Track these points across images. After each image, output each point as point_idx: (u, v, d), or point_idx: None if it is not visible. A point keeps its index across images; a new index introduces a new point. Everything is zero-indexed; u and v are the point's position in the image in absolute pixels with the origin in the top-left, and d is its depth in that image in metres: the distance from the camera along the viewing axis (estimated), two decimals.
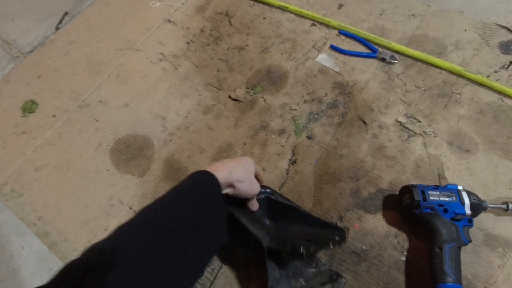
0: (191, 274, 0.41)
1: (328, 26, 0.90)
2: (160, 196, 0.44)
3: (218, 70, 0.87)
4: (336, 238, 0.58)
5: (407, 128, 0.73)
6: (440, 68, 0.79)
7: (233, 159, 0.54)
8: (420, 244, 0.61)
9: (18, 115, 0.87)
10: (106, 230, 0.70)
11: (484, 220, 0.62)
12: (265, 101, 0.81)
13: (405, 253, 0.61)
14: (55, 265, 0.68)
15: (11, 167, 0.80)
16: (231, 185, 0.50)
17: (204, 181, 0.47)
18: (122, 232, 0.38)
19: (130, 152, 0.78)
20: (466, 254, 0.59)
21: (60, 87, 0.90)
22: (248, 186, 0.52)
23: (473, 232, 0.60)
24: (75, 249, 0.69)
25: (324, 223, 0.61)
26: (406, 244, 0.62)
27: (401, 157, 0.70)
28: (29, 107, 0.88)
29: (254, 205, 0.58)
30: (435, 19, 0.86)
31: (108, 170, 0.77)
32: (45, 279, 0.67)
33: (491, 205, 0.60)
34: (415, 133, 0.72)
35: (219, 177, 0.47)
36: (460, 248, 0.56)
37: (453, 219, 0.57)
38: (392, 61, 0.81)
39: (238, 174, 0.50)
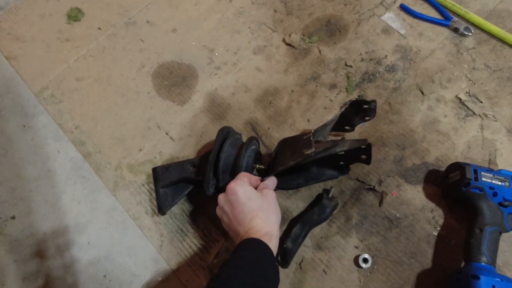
0: None
1: None
2: (225, 269, 0.45)
3: (275, 11, 0.81)
4: (362, 157, 0.57)
5: (466, 106, 0.69)
6: None
7: (261, 207, 0.51)
8: (456, 223, 0.60)
9: (63, 21, 0.84)
10: (140, 150, 0.70)
11: None
12: (320, 52, 0.76)
13: (438, 229, 0.60)
14: (89, 174, 0.69)
15: (53, 73, 0.79)
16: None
17: (264, 259, 0.47)
18: None
19: (173, 79, 0.76)
20: (501, 242, 0.58)
21: (108, 0, 0.86)
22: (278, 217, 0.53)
23: None
24: (109, 163, 0.70)
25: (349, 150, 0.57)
26: (441, 221, 0.61)
27: (453, 135, 0.67)
28: (74, 15, 0.85)
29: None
30: None
31: (148, 93, 0.75)
32: (78, 185, 0.69)
33: None
34: (474, 113, 0.68)
35: (273, 247, 0.48)
36: (500, 233, 0.54)
37: (500, 204, 0.55)
38: (466, 33, 0.74)
39: (277, 227, 0.51)
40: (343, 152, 0.56)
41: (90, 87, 0.77)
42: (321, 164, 0.61)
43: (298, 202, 0.63)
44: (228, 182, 0.57)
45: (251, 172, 0.59)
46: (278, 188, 0.60)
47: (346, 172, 0.62)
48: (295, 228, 0.58)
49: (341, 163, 0.60)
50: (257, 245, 0.46)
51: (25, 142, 0.73)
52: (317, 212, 0.59)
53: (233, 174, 0.57)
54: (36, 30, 0.84)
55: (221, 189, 0.58)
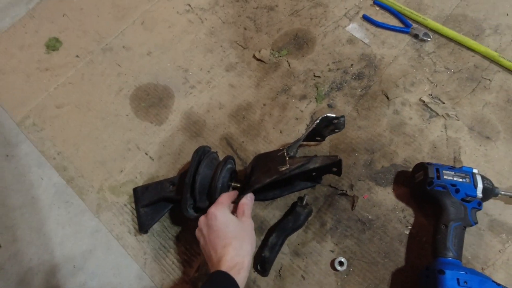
0: None
1: None
2: None
3: (245, 29, 0.85)
4: (333, 169, 0.60)
5: (430, 108, 0.72)
6: (474, 51, 0.76)
7: (236, 235, 0.52)
8: (425, 221, 0.63)
9: (42, 51, 0.87)
10: (121, 171, 0.73)
11: (492, 206, 0.63)
12: (289, 65, 0.80)
13: (409, 227, 0.63)
14: (72, 199, 0.71)
15: (34, 102, 0.81)
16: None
17: None
18: None
19: (150, 100, 0.79)
20: (469, 235, 0.61)
21: (85, 28, 0.89)
22: (253, 248, 0.54)
23: (480, 216, 0.61)
24: (91, 186, 0.72)
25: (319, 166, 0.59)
26: (411, 220, 0.63)
27: (419, 136, 0.70)
28: (53, 45, 0.88)
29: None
30: None
31: (127, 115, 0.78)
32: (62, 210, 0.71)
33: (503, 192, 0.60)
34: (437, 114, 0.71)
35: (241, 280, 0.48)
36: (465, 228, 0.57)
37: (463, 200, 0.58)
38: (425, 38, 0.78)
39: (249, 258, 0.51)
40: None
41: (71, 113, 0.80)
42: (295, 177, 0.64)
43: (275, 211, 0.66)
44: (205, 203, 0.60)
45: (226, 190, 0.61)
46: (255, 199, 0.62)
47: (318, 181, 0.65)
48: (271, 237, 0.60)
49: (314, 174, 0.63)
50: (225, 280, 0.47)
51: (9, 171, 0.75)
52: (292, 220, 0.61)
53: (209, 195, 0.59)
54: (16, 61, 0.87)
55: (199, 209, 0.60)
